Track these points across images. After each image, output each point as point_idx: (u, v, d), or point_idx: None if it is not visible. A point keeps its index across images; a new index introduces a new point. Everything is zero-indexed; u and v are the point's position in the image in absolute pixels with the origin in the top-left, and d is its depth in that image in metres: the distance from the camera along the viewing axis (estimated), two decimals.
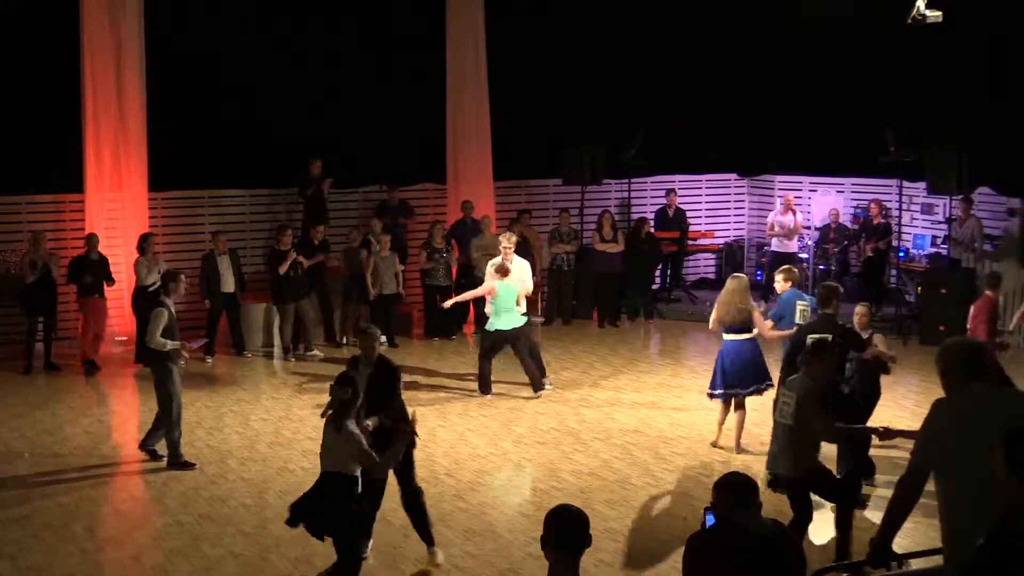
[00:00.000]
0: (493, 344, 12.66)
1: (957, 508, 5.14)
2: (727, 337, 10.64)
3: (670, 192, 17.82)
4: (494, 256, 15.32)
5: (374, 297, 14.99)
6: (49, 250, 14.05)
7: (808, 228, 17.61)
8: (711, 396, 10.87)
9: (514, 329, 12.54)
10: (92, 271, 13.84)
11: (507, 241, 12.92)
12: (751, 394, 10.67)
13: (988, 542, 4.14)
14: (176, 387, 10.26)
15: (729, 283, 10.74)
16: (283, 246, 14.49)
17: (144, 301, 13.91)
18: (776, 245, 17.21)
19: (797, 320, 10.38)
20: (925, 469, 5.37)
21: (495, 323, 12.55)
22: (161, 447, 10.50)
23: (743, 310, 10.51)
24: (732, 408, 10.78)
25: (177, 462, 10.35)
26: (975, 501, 4.96)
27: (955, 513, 5.17)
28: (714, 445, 10.89)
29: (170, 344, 10.13)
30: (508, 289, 12.51)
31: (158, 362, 10.26)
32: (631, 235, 16.99)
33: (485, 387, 12.68)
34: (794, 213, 17.11)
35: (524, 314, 12.72)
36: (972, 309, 11.84)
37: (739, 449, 10.70)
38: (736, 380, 10.60)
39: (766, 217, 17.89)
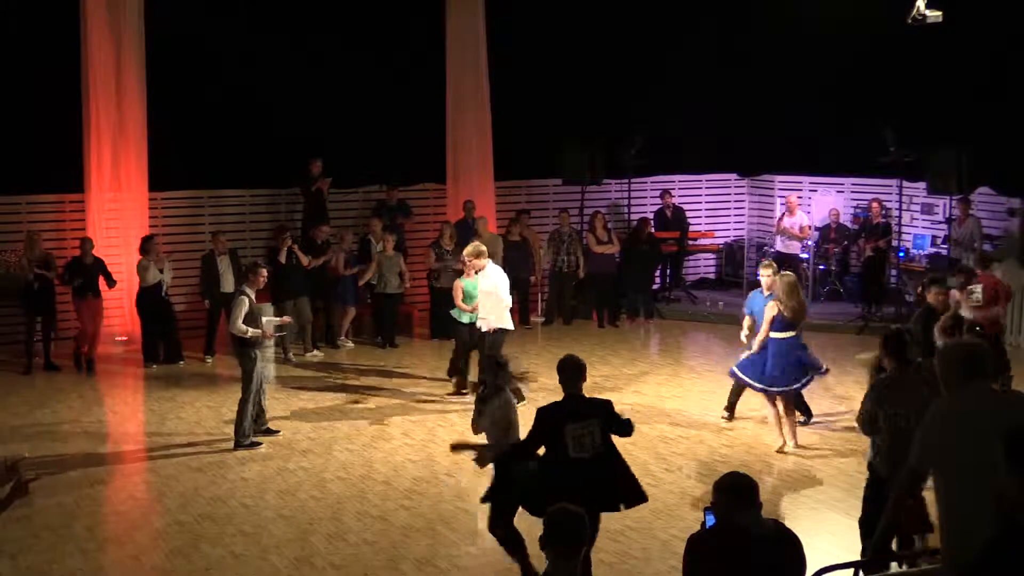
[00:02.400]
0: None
1: (957, 508, 5.14)
2: (787, 335, 10.69)
3: (664, 193, 17.84)
4: (491, 256, 15.36)
5: (362, 288, 15.16)
6: (46, 250, 14.07)
7: (809, 228, 17.61)
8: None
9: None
10: (85, 274, 13.84)
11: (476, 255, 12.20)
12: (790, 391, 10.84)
13: (989, 543, 4.14)
14: (257, 371, 10.88)
15: (792, 278, 10.83)
16: (282, 246, 14.50)
17: (148, 301, 13.99)
18: (780, 246, 17.21)
19: None
20: (924, 469, 5.37)
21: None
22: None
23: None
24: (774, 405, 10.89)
25: (245, 443, 10.89)
26: (975, 501, 4.96)
27: (955, 513, 5.17)
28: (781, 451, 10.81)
29: (251, 331, 10.81)
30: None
31: (241, 348, 10.93)
32: (632, 235, 16.99)
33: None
34: (793, 214, 17.12)
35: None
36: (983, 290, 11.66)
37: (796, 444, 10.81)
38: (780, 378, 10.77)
39: (766, 217, 17.92)
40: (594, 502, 6.87)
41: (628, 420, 7.43)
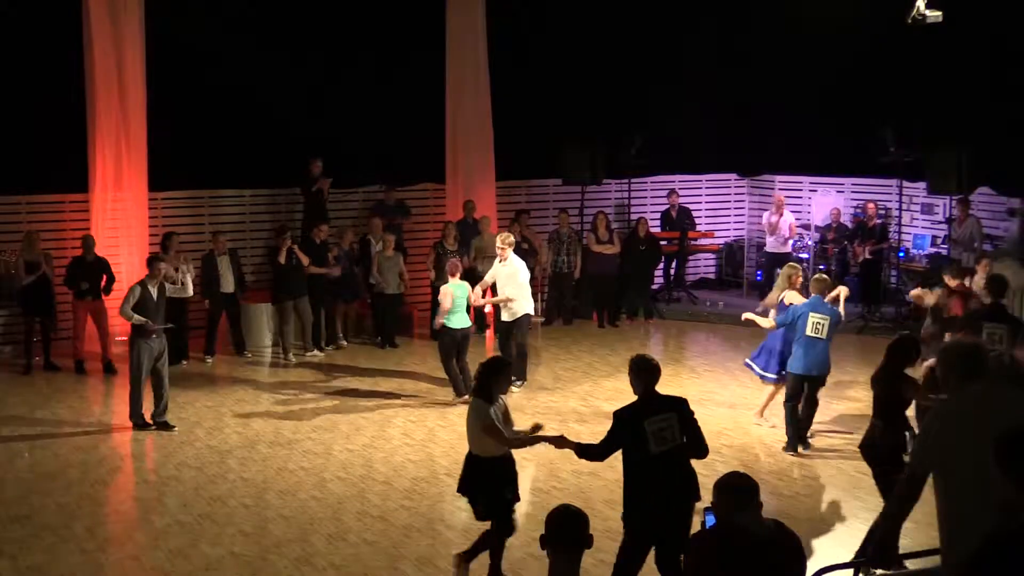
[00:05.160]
0: (450, 345, 12.54)
1: (956, 508, 5.13)
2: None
3: (672, 193, 17.84)
4: (492, 256, 15.37)
5: (372, 293, 15.14)
6: (44, 250, 14.05)
7: (807, 228, 17.61)
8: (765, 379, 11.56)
9: (463, 329, 12.51)
10: (88, 274, 13.82)
11: (501, 242, 12.69)
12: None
13: (986, 543, 4.14)
14: (142, 360, 11.34)
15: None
16: (281, 246, 14.48)
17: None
18: (771, 246, 17.21)
19: (808, 332, 10.57)
20: (925, 469, 5.37)
21: (450, 322, 12.44)
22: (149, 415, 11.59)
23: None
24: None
25: (138, 422, 11.53)
26: (974, 502, 4.96)
27: (954, 513, 5.16)
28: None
29: (136, 318, 11.25)
30: (463, 289, 12.53)
31: (131, 336, 11.51)
32: (630, 235, 16.99)
33: (459, 389, 12.47)
34: (781, 214, 17.10)
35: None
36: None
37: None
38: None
39: (767, 217, 17.90)
40: (678, 496, 6.93)
41: (703, 439, 7.13)
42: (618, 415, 7.10)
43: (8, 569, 8.19)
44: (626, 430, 6.98)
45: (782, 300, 11.29)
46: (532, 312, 12.93)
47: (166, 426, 11.50)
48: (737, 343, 15.40)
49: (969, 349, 5.50)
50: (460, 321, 12.47)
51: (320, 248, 14.91)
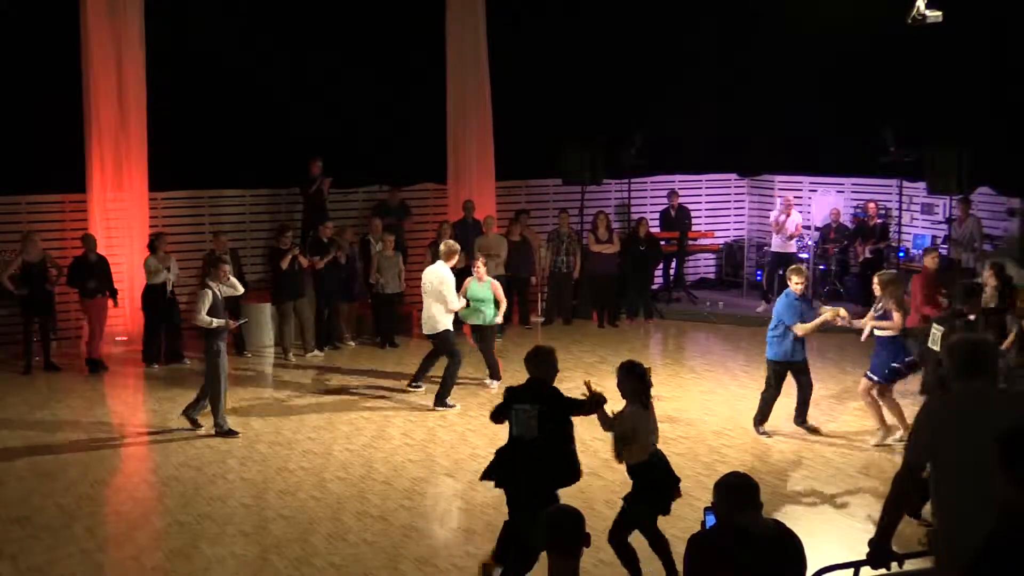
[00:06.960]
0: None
1: (956, 508, 5.12)
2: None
3: (672, 193, 17.84)
4: (494, 257, 15.40)
5: (372, 293, 15.19)
6: (44, 250, 14.05)
7: (808, 228, 17.60)
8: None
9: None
10: (94, 273, 13.84)
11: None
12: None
13: (986, 543, 4.13)
14: (224, 362, 11.25)
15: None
16: (283, 245, 14.48)
17: (152, 299, 13.98)
18: (776, 245, 17.20)
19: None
20: (921, 467, 5.36)
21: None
22: (201, 419, 11.48)
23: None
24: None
25: (223, 431, 11.27)
26: (972, 500, 4.95)
27: (953, 512, 5.15)
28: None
29: (216, 321, 11.09)
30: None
31: (206, 340, 11.24)
32: (630, 235, 16.99)
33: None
34: (788, 215, 17.08)
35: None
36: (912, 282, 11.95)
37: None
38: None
39: (766, 217, 17.90)
40: (525, 483, 7.40)
41: (580, 402, 7.60)
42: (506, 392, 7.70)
43: (8, 569, 8.19)
44: (503, 407, 7.61)
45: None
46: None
47: (195, 424, 11.54)
48: (737, 343, 15.42)
49: (972, 346, 5.48)
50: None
51: (327, 245, 14.89)
